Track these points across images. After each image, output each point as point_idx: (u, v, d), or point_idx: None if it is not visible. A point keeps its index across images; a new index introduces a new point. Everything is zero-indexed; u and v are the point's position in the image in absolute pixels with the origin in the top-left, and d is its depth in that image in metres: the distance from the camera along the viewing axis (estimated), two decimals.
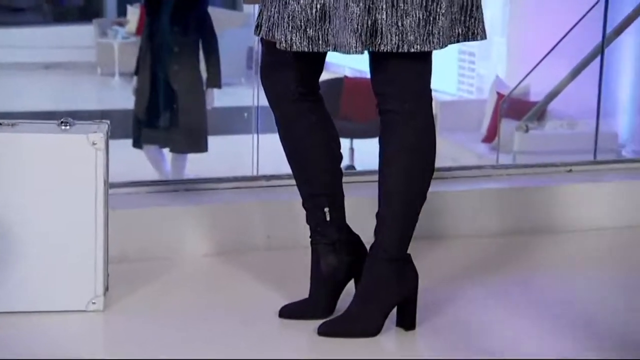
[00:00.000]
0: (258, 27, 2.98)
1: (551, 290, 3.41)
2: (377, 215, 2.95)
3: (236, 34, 10.13)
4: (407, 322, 2.97)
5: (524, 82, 5.70)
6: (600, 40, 5.55)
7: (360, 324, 2.93)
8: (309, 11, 2.80)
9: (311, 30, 2.82)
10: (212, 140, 5.67)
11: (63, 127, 3.02)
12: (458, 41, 3.02)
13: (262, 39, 3.02)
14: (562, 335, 2.92)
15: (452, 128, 6.65)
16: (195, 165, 5.46)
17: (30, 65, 9.56)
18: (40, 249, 3.05)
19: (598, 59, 5.51)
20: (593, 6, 6.14)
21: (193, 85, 5.61)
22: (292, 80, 3.00)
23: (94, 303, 3.03)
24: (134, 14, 9.34)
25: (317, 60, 3.01)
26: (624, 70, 6.94)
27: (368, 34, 2.80)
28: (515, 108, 5.44)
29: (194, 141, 5.58)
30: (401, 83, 2.98)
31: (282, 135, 3.14)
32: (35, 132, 3.04)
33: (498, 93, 5.83)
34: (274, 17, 2.87)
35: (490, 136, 5.66)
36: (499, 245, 3.98)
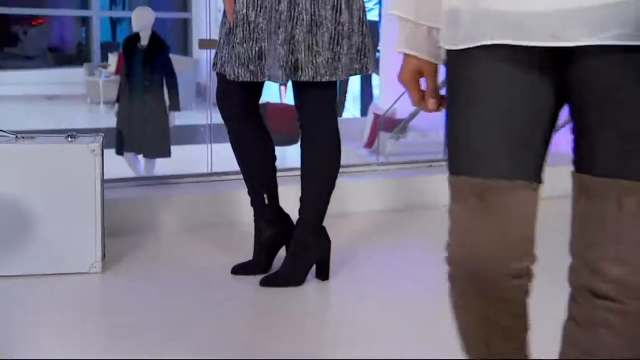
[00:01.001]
0: (215, 64, 2.97)
1: (420, 250, 3.41)
2: (300, 199, 3.01)
3: (188, 73, 10.03)
4: (323, 275, 3.03)
5: (393, 106, 5.79)
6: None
7: (290, 276, 2.98)
8: (249, 52, 2.83)
9: (252, 66, 2.85)
10: (174, 149, 5.67)
11: (69, 139, 3.08)
12: (356, 74, 3.06)
13: (217, 72, 2.98)
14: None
15: (342, 139, 6.72)
16: (162, 166, 5.42)
17: (37, 97, 9.42)
18: (53, 225, 3.06)
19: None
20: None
21: (159, 109, 5.56)
22: (239, 102, 2.99)
23: (94, 266, 3.09)
24: (113, 59, 9.20)
25: (257, 88, 3.00)
26: None
27: (292, 69, 2.82)
28: (387, 124, 5.51)
29: (161, 149, 5.53)
30: (315, 107, 3.02)
31: (233, 142, 3.12)
32: (49, 143, 3.11)
33: (375, 113, 5.85)
34: (225, 57, 2.89)
35: (370, 143, 5.67)
36: (383, 219, 4.02)
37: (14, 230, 3.04)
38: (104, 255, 3.07)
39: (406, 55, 1.37)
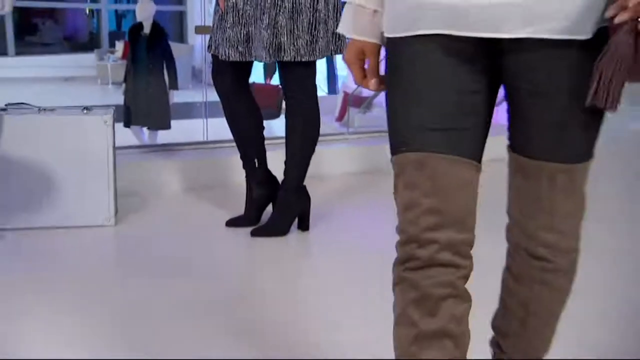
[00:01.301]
0: (209, 46, 3.00)
1: (386, 207, 3.36)
2: (285, 162, 3.05)
3: (184, 58, 9.76)
4: (304, 226, 3.10)
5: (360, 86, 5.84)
6: None
7: (276, 228, 3.06)
8: (238, 35, 2.87)
9: (240, 48, 2.90)
10: (173, 123, 5.59)
11: (85, 112, 3.10)
12: (331, 54, 3.09)
13: (212, 54, 3.00)
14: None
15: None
16: (163, 137, 5.32)
17: (55, 79, 9.27)
18: (72, 185, 3.10)
19: None
20: None
21: (160, 88, 5.50)
22: (231, 79, 3.03)
23: (109, 220, 3.14)
24: (120, 46, 9.00)
25: (246, 67, 3.05)
26: None
27: (275, 50, 2.85)
28: (355, 100, 5.50)
29: (162, 122, 5.50)
30: (297, 83, 3.05)
31: (227, 115, 3.15)
32: (68, 115, 3.12)
33: (344, 92, 5.82)
34: (217, 40, 2.92)
35: (341, 117, 5.62)
36: (354, 180, 4.10)
37: (39, 189, 3.06)
38: (116, 211, 3.10)
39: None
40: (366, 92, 5.55)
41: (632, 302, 2.32)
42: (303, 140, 3.07)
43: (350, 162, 4.22)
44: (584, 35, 1.05)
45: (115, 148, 3.10)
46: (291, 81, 3.04)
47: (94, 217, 3.11)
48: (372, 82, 1.27)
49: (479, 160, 1.19)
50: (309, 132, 3.07)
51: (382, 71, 1.29)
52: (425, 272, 1.16)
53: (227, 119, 3.15)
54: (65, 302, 2.44)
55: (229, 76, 3.05)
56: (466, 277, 1.19)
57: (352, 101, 5.34)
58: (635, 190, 4.10)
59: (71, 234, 3.04)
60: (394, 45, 1.18)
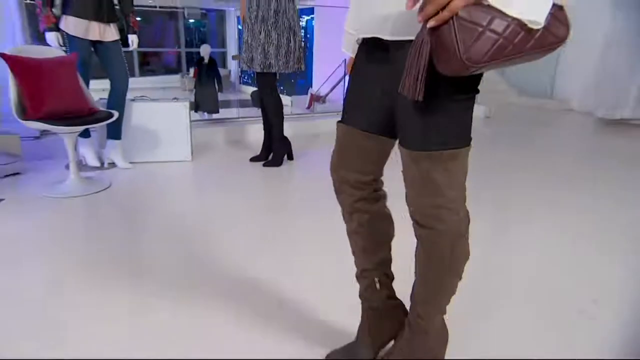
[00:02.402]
0: (245, 63, 2.86)
1: None
2: (269, 129, 2.99)
3: (225, 74, 9.66)
4: (290, 157, 3.15)
5: (320, 88, 5.66)
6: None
7: (275, 162, 2.99)
8: (261, 56, 2.76)
9: (262, 63, 2.76)
10: (220, 110, 5.49)
11: (174, 101, 3.18)
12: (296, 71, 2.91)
13: (248, 69, 2.90)
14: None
15: (296, 107, 6.21)
16: (214, 116, 4.98)
17: (160, 88, 9.27)
18: (167, 139, 3.14)
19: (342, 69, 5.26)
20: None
21: (213, 91, 5.49)
22: (259, 85, 2.95)
23: (188, 158, 3.18)
24: (192, 70, 8.77)
25: (274, 76, 2.92)
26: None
27: (275, 64, 2.77)
28: (317, 98, 5.44)
29: (214, 109, 5.36)
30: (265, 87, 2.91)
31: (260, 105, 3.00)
32: (167, 102, 3.16)
33: (311, 93, 5.70)
34: (248, 59, 2.80)
35: (309, 106, 5.52)
36: (318, 137, 3.95)
37: (153, 141, 3.13)
38: (191, 153, 3.20)
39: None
40: (323, 92, 5.48)
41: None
42: (275, 113, 2.96)
43: (313, 128, 4.24)
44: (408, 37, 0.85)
45: (191, 121, 3.19)
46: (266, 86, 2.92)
47: (180, 155, 3.19)
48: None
49: (393, 134, 0.99)
50: (277, 108, 2.95)
51: None
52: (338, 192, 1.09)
53: (261, 106, 3.05)
54: (169, 196, 2.51)
55: (263, 81, 2.90)
56: (363, 198, 1.05)
57: (315, 98, 5.41)
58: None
59: (169, 165, 3.11)
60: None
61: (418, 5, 0.75)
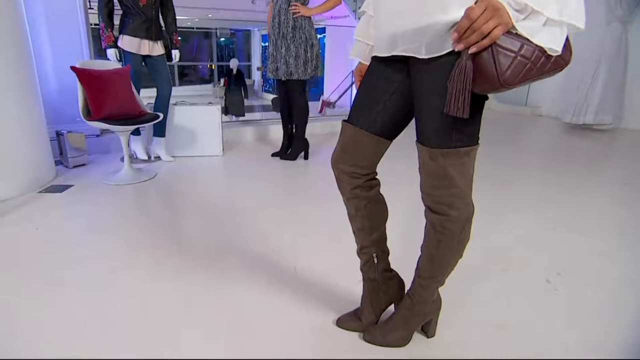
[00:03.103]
0: (271, 73, 2.82)
1: None
2: (294, 127, 2.86)
3: (250, 84, 9.71)
4: (306, 156, 3.02)
5: (330, 95, 5.36)
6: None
7: (292, 156, 2.92)
8: (284, 67, 2.70)
9: (285, 72, 2.72)
10: (246, 114, 5.30)
11: (209, 104, 3.14)
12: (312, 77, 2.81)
13: (273, 78, 2.86)
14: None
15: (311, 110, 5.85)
16: (241, 119, 4.75)
17: (196, 95, 8.90)
18: (205, 136, 3.09)
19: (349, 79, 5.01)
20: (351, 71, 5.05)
21: (240, 97, 5.42)
22: (284, 91, 2.91)
23: (219, 152, 3.06)
24: (222, 80, 8.72)
25: (303, 82, 2.83)
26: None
27: (295, 71, 2.71)
28: (328, 103, 5.01)
29: (240, 112, 5.21)
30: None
31: (281, 106, 2.91)
32: (202, 106, 3.13)
33: (322, 100, 5.56)
34: (274, 69, 2.76)
35: (321, 111, 4.90)
36: (329, 137, 3.84)
37: (190, 138, 3.09)
38: (223, 149, 3.16)
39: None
40: (332, 99, 5.36)
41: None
42: (300, 114, 2.89)
43: (324, 128, 4.15)
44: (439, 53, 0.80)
45: (222, 122, 3.17)
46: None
47: (213, 151, 3.15)
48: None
49: (390, 136, 0.98)
50: (303, 110, 2.87)
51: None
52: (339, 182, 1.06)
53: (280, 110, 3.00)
54: (203, 184, 2.50)
55: (283, 89, 2.89)
56: (359, 186, 1.03)
57: (326, 104, 5.29)
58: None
59: (204, 158, 3.08)
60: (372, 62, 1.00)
61: (451, 30, 0.76)
